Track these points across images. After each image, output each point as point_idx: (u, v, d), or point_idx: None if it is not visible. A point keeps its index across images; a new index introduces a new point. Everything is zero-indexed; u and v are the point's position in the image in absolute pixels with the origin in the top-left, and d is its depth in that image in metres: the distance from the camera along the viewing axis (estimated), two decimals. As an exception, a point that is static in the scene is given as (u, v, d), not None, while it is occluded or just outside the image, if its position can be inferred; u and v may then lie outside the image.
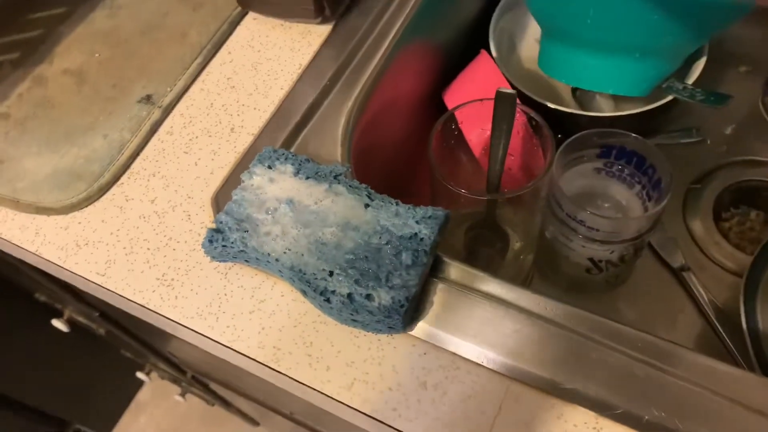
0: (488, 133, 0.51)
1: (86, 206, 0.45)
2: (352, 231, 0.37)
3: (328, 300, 0.36)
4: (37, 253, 0.44)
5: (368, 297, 0.35)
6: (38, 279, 0.77)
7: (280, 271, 0.37)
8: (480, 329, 0.36)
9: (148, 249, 0.42)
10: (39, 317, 0.94)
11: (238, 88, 0.49)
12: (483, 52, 0.57)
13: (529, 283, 0.58)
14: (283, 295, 0.39)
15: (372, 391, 0.35)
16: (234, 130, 0.47)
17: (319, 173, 0.40)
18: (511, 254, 0.53)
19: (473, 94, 0.57)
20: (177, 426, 1.40)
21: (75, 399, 1.23)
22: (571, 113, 0.58)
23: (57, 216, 0.45)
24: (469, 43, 0.63)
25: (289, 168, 0.40)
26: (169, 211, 0.44)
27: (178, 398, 1.21)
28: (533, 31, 0.69)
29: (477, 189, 0.54)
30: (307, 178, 0.40)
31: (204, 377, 0.93)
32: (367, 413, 0.35)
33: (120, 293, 0.41)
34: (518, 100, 0.46)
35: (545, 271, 0.57)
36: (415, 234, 0.37)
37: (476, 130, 0.51)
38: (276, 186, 0.40)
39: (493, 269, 0.53)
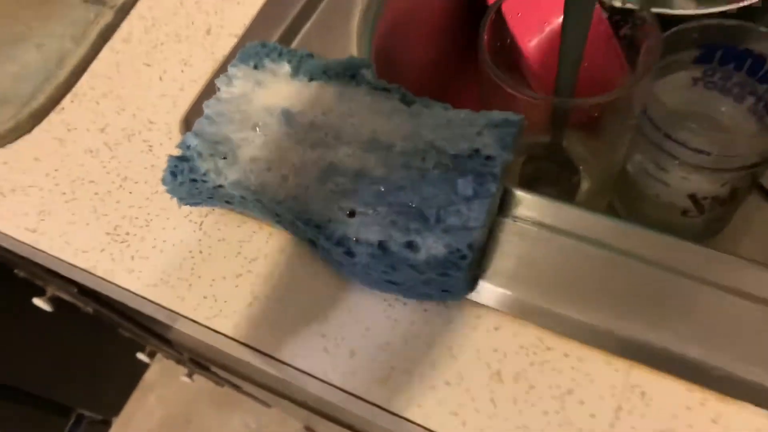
0: (551, 26, 0.38)
1: (14, 139, 0.33)
2: (382, 150, 0.25)
3: (349, 253, 0.23)
4: (-52, 205, 0.32)
5: (410, 245, 0.23)
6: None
7: (276, 214, 0.25)
8: (578, 289, 0.24)
9: (96, 194, 0.31)
10: (21, 297, 0.84)
11: (216, -22, 0.37)
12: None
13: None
14: (282, 251, 0.27)
15: (419, 387, 0.23)
16: (211, 32, 0.34)
17: (329, 72, 0.28)
18: (581, 195, 0.41)
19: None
20: (187, 407, 1.31)
21: (77, 383, 1.14)
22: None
23: (-25, 154, 0.33)
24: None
25: (285, 67, 0.28)
26: (123, 141, 0.32)
27: (185, 379, 1.11)
28: None
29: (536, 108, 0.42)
30: (311, 79, 0.27)
31: (202, 360, 0.82)
32: (414, 420, 0.23)
33: (56, 255, 0.29)
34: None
35: (623, 215, 0.45)
36: (477, 150, 0.24)
37: (535, 25, 0.38)
38: (266, 92, 0.27)
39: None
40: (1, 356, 0.94)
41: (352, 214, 0.24)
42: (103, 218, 0.30)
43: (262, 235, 0.28)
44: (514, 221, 0.25)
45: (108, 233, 0.29)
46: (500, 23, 0.36)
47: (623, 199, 0.44)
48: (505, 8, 0.37)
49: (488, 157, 0.24)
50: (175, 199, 0.28)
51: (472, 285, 0.24)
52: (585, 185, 0.42)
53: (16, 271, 0.82)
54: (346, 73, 0.28)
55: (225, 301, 0.26)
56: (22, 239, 0.30)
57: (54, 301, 0.80)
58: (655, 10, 0.43)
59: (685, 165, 0.36)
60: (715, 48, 0.39)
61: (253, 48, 0.29)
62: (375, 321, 0.25)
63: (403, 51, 0.38)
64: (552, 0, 0.37)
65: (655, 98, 0.36)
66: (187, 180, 0.26)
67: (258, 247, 0.27)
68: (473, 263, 0.23)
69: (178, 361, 1.02)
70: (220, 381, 1.06)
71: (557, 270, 0.24)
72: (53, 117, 0.33)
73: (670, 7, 0.48)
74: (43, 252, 0.30)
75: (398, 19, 0.36)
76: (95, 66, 0.35)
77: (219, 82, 0.28)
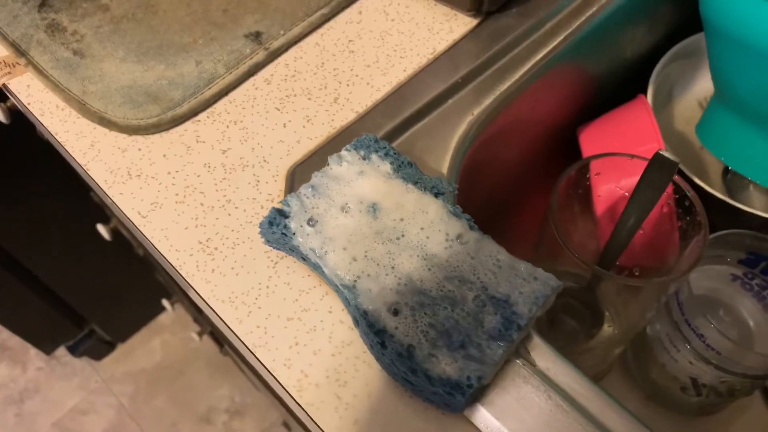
0: (621, 192, 0.43)
1: (153, 133, 0.39)
2: (437, 269, 0.30)
3: (383, 344, 0.29)
4: (85, 167, 0.38)
5: (432, 358, 0.28)
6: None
7: (336, 286, 0.31)
8: (553, 443, 0.28)
9: (201, 204, 0.37)
10: (89, 218, 0.92)
11: (358, 54, 0.42)
12: (642, 97, 0.48)
13: (605, 374, 0.49)
14: (331, 311, 0.32)
15: (398, 470, 0.28)
16: (338, 101, 0.40)
17: (419, 183, 0.33)
18: (599, 340, 0.45)
19: (613, 141, 0.48)
20: (186, 359, 1.38)
21: (100, 303, 1.22)
22: (720, 199, 0.48)
23: (118, 134, 0.39)
24: (626, 83, 0.54)
25: (387, 166, 0.33)
26: (238, 168, 0.38)
27: (194, 336, 1.18)
28: (700, 89, 0.59)
29: (588, 251, 0.46)
30: (404, 183, 0.33)
31: (220, 338, 0.89)
32: (385, 495, 0.28)
33: (155, 244, 0.35)
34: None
35: (630, 367, 0.49)
36: (509, 300, 0.29)
37: (609, 185, 0.43)
38: (364, 182, 0.33)
39: (573, 350, 0.45)
40: (50, 260, 1.02)
41: (395, 312, 0.29)
42: (200, 228, 0.36)
43: (319, 292, 0.33)
44: (523, 365, 0.30)
45: (200, 242, 0.35)
46: (586, 173, 0.41)
47: (635, 354, 0.47)
48: (593, 164, 0.41)
49: (517, 311, 0.29)
50: (262, 238, 0.34)
51: (471, 404, 0.29)
52: (606, 329, 0.46)
53: (91, 194, 0.90)
54: (432, 191, 0.33)
55: (272, 337, 0.32)
56: (132, 218, 0.36)
57: (114, 232, 0.88)
58: (742, 206, 0.46)
59: (694, 351, 0.40)
60: (763, 258, 0.43)
61: (367, 140, 0.34)
62: (386, 402, 0.30)
63: (484, 172, 0.43)
64: (633, 174, 0.41)
65: (688, 285, 0.40)
66: (279, 232, 0.32)
67: (312, 301, 0.33)
68: (477, 391, 0.28)
69: (196, 320, 1.09)
70: (225, 350, 1.12)
71: (545, 424, 0.29)
72: (189, 125, 0.40)
73: (749, 204, 0.51)
74: (146, 237, 0.36)
75: (488, 144, 0.41)
76: (235, 94, 0.41)
77: (331, 160, 0.34)
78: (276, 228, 0.32)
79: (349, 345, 0.31)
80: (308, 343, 0.32)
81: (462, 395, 0.27)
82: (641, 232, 0.44)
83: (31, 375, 1.38)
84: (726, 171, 0.55)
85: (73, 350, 1.32)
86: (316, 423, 0.30)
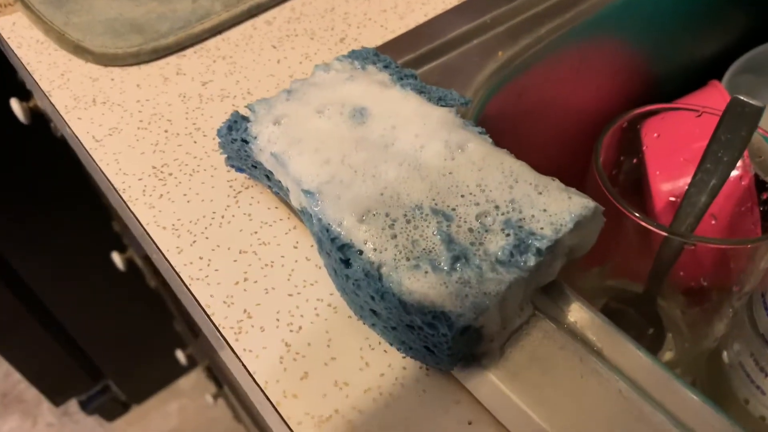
0: (687, 164, 0.34)
1: (130, 64, 0.34)
2: (433, 178, 0.22)
3: (347, 263, 0.21)
4: (48, 94, 0.33)
5: (409, 279, 0.20)
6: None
7: (301, 192, 0.23)
8: (587, 423, 0.19)
9: (166, 131, 0.30)
10: (107, 248, 0.88)
11: (374, 1, 0.37)
12: (715, 83, 0.41)
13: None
14: (296, 247, 0.25)
15: (354, 446, 0.19)
16: (344, 41, 0.34)
17: (423, 94, 0.26)
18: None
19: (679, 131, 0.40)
20: (201, 428, 1.28)
21: (116, 355, 1.15)
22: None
23: (93, 64, 0.35)
24: (691, 85, 0.47)
25: (384, 76, 0.27)
26: (216, 99, 0.32)
27: (209, 399, 1.09)
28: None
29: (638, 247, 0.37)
30: (402, 90, 0.26)
31: (216, 372, 0.80)
32: (330, 479, 0.19)
33: (102, 168, 0.29)
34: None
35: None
36: (527, 218, 0.21)
37: (670, 164, 0.34)
38: (352, 86, 0.26)
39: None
40: (68, 297, 0.98)
41: (368, 223, 0.21)
42: (158, 153, 0.29)
43: (285, 225, 0.26)
44: (545, 318, 0.21)
45: (154, 167, 0.29)
46: (629, 137, 0.33)
47: (708, 390, 0.37)
48: (644, 129, 0.33)
49: (537, 231, 0.20)
50: (224, 159, 0.27)
51: (465, 363, 0.20)
52: (667, 356, 0.36)
53: (113, 223, 0.86)
54: (438, 102, 0.26)
55: (216, 270, 0.24)
56: (84, 143, 0.30)
57: (128, 262, 0.83)
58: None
59: (791, 376, 0.30)
60: None
61: (365, 52, 0.28)
62: (345, 355, 0.21)
63: (510, 126, 0.36)
64: (695, 133, 0.33)
65: (782, 286, 0.30)
66: (239, 139, 0.25)
67: (275, 234, 0.25)
68: (475, 338, 0.19)
69: (211, 377, 1.01)
70: (237, 415, 1.03)
71: (574, 394, 0.19)
72: (172, 59, 0.35)
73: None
74: (94, 161, 0.30)
75: (522, 101, 0.34)
76: (231, 33, 0.36)
77: (317, 68, 0.27)
78: (236, 134, 0.25)
79: (312, 285, 0.23)
80: (260, 280, 0.24)
81: (449, 329, 0.18)
82: (712, 221, 0.35)
83: (41, 430, 1.30)
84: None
85: (85, 406, 1.24)
86: (249, 373, 0.21)
